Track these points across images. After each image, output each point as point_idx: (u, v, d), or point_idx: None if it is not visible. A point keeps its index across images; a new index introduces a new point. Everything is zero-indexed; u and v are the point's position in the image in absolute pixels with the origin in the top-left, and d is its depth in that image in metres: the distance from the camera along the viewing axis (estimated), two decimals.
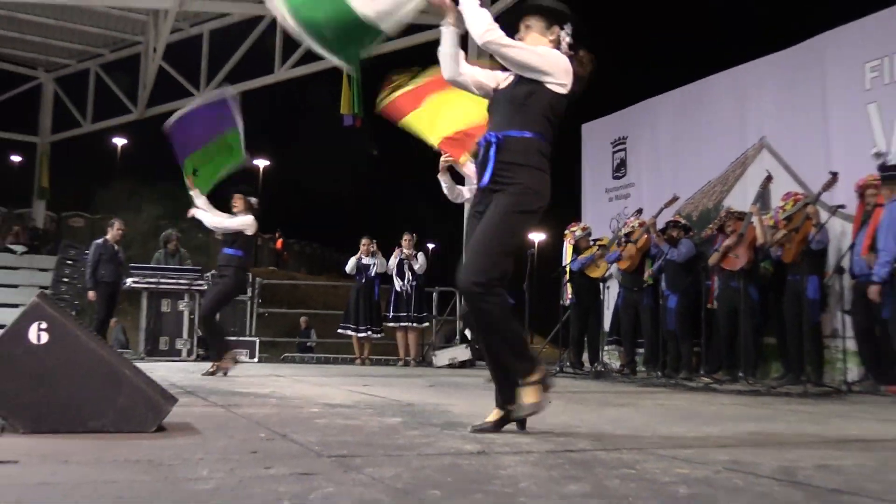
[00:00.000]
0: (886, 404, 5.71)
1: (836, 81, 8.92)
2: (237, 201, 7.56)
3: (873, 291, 6.25)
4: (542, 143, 3.34)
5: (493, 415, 3.34)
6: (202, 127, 7.22)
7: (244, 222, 7.44)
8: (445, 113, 6.53)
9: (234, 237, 7.52)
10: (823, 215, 7.70)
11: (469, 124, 6.39)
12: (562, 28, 3.45)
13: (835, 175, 7.40)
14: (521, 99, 3.35)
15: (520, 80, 3.40)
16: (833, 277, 7.63)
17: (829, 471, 2.46)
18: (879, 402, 5.86)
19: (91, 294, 11.13)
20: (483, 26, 3.30)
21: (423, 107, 6.52)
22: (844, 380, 7.06)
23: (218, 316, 7.84)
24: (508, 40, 3.33)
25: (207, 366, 7.51)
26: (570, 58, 3.43)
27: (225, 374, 7.22)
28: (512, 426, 3.29)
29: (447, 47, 3.47)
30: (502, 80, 3.51)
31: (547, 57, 3.36)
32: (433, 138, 6.48)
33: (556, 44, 3.45)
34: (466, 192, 6.20)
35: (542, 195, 3.34)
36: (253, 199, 7.61)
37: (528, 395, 3.18)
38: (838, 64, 8.92)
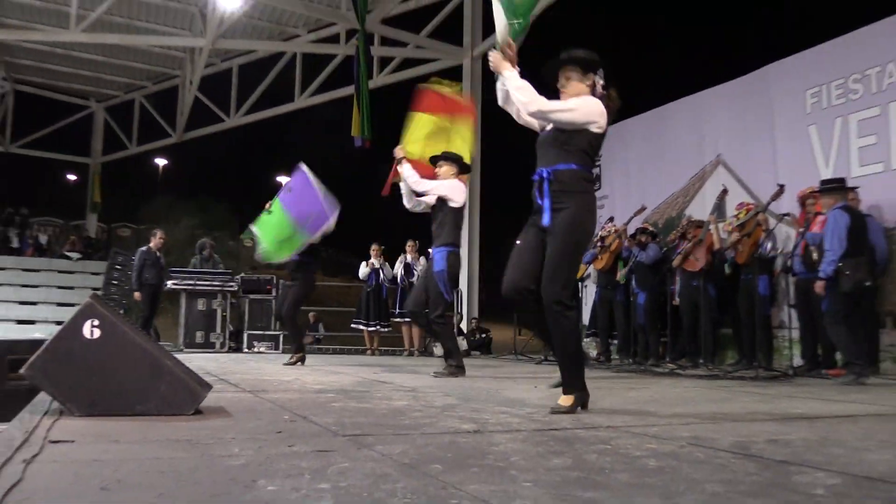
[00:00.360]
0: (827, 386, 5.71)
1: (781, 106, 8.94)
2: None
3: (819, 286, 6.25)
4: (586, 173, 3.48)
5: (566, 399, 3.41)
6: (303, 203, 7.18)
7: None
8: (441, 139, 6.44)
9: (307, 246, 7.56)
10: (772, 222, 7.72)
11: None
12: (595, 73, 3.53)
13: (781, 187, 7.41)
14: (563, 140, 3.47)
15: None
16: (780, 276, 7.64)
17: (778, 444, 2.46)
18: (821, 384, 5.86)
19: (137, 294, 11.14)
20: (528, 98, 3.44)
21: (438, 119, 6.43)
22: (791, 365, 7.06)
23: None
24: (550, 105, 3.44)
25: (240, 356, 7.53)
26: (603, 97, 3.52)
27: (302, 362, 7.40)
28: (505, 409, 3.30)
29: (503, 86, 3.60)
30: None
31: (584, 109, 3.43)
32: (411, 147, 6.38)
33: (592, 87, 3.53)
34: (424, 202, 6.16)
35: (593, 214, 3.52)
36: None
37: (563, 399, 3.36)
38: (783, 91, 8.94)
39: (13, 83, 19.72)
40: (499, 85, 3.61)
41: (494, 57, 3.55)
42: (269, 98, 17.71)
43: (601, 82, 3.53)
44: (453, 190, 6.08)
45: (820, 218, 6.68)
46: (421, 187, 6.03)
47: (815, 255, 6.73)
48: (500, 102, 3.66)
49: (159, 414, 2.89)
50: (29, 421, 2.67)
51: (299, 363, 7.36)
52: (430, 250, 6.26)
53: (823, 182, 6.79)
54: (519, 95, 3.45)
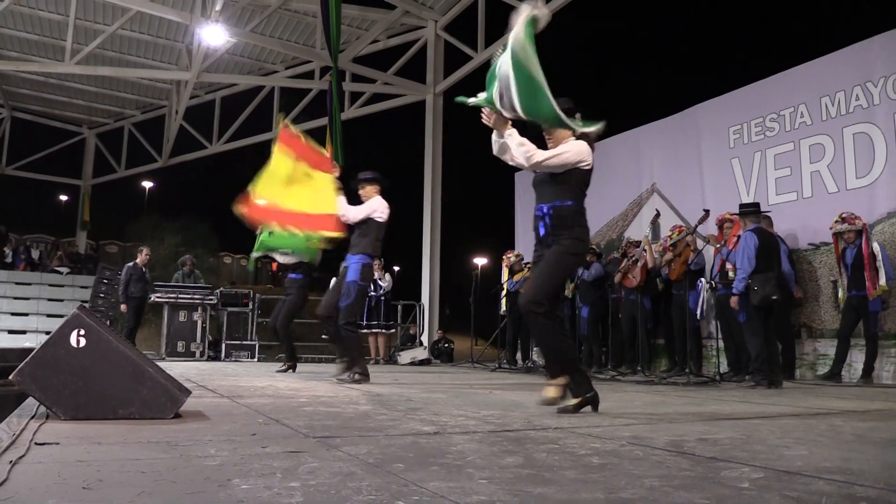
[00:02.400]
0: (749, 389, 5.78)
1: (707, 141, 9.12)
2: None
3: (733, 301, 6.39)
4: (579, 206, 3.63)
5: (573, 400, 3.50)
6: None
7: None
8: (303, 184, 5.88)
9: (297, 265, 7.70)
10: (700, 243, 7.83)
11: (287, 206, 5.71)
12: (573, 118, 3.59)
13: (707, 212, 7.54)
14: (560, 179, 3.61)
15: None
16: (707, 291, 7.75)
17: (707, 443, 2.47)
18: (744, 388, 5.93)
19: (123, 307, 10.93)
20: (526, 154, 3.54)
21: (298, 164, 5.86)
22: (718, 371, 7.14)
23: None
24: (544, 155, 3.55)
25: (218, 364, 7.42)
26: (583, 136, 3.64)
27: (293, 370, 7.38)
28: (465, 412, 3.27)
29: (500, 138, 3.62)
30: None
31: (574, 151, 3.57)
32: (268, 189, 5.76)
33: (573, 131, 3.63)
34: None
35: (585, 243, 3.69)
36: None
37: (548, 391, 3.51)
38: (709, 128, 9.12)
39: (10, 110, 19.31)
40: (494, 137, 3.65)
41: (492, 117, 3.56)
42: (248, 127, 17.58)
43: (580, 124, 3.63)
44: (381, 206, 5.99)
45: (734, 238, 6.83)
46: (354, 213, 5.84)
47: (731, 273, 6.86)
48: (494, 152, 3.70)
49: (141, 418, 2.81)
50: (16, 424, 2.58)
51: (291, 370, 7.31)
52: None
53: (742, 206, 6.93)
54: (522, 152, 3.53)
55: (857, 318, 6.77)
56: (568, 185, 3.59)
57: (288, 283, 7.87)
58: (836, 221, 6.85)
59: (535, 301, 3.43)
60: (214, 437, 2.42)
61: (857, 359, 6.87)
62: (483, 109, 3.60)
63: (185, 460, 1.96)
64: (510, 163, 3.71)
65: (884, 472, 1.97)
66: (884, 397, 5.05)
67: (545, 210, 3.61)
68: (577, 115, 3.61)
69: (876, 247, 6.64)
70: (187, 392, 3.01)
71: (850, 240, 6.77)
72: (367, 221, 5.88)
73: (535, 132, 3.71)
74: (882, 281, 6.56)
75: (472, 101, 3.64)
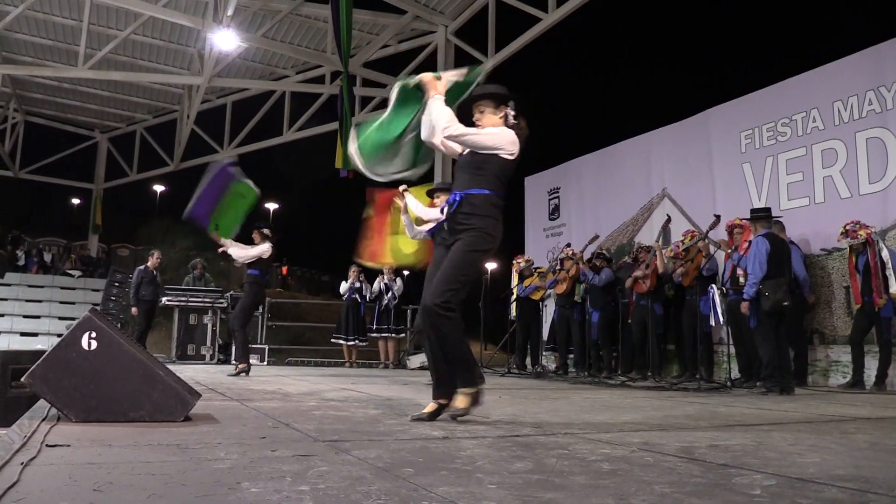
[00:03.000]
0: (761, 396, 5.74)
1: (719, 146, 9.08)
2: (255, 236, 7.58)
3: (744, 306, 6.33)
4: (496, 198, 3.36)
5: (430, 407, 3.32)
6: (211, 196, 7.08)
7: (261, 250, 7.44)
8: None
9: (254, 260, 7.48)
10: (712, 248, 7.80)
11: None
12: (507, 106, 3.47)
13: (718, 217, 7.49)
14: (478, 164, 3.38)
15: (475, 151, 3.44)
16: (718, 297, 7.70)
17: (718, 449, 2.45)
18: (755, 395, 5.89)
19: (134, 310, 10.97)
20: (445, 122, 3.31)
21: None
22: (729, 377, 7.10)
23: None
24: (464, 130, 3.35)
25: (229, 368, 7.41)
26: (514, 127, 3.45)
27: (247, 374, 7.11)
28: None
29: (430, 115, 3.40)
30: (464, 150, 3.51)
31: (496, 136, 3.37)
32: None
33: (505, 119, 3.46)
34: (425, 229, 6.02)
35: (495, 238, 3.35)
36: (266, 231, 7.60)
37: (460, 401, 3.24)
38: (720, 133, 9.08)
39: (24, 114, 19.47)
40: (424, 118, 3.45)
41: (428, 78, 3.44)
42: (259, 131, 17.68)
43: (512, 114, 3.48)
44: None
45: (745, 244, 6.78)
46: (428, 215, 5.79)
47: (741, 279, 6.81)
48: (423, 136, 3.49)
49: (151, 420, 2.83)
50: (28, 426, 2.59)
51: (243, 374, 7.08)
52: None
53: (752, 211, 6.89)
54: (439, 119, 3.34)
55: (870, 325, 6.72)
56: (486, 173, 3.37)
57: (245, 278, 7.71)
58: (841, 234, 6.80)
59: (443, 303, 3.18)
60: (224, 440, 2.42)
61: (870, 365, 6.81)
62: (425, 75, 3.49)
63: (195, 463, 1.97)
64: (438, 145, 3.49)
65: None
66: None
67: (457, 197, 3.37)
68: (511, 104, 3.48)
69: (886, 254, 6.57)
70: (197, 395, 3.01)
71: (858, 249, 6.72)
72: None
73: (466, 120, 3.54)
74: (893, 289, 6.50)
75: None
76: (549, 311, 10.50)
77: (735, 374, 7.37)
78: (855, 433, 3.08)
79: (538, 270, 10.32)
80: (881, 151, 7.23)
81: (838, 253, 7.40)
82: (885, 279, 6.50)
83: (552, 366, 10.25)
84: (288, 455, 2.13)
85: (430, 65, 15.12)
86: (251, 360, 7.61)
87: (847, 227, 6.74)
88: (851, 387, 6.71)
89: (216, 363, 10.82)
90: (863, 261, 6.68)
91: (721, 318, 7.07)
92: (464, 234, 3.30)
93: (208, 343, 11.10)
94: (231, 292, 11.81)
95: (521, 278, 10.22)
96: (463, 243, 3.29)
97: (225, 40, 12.88)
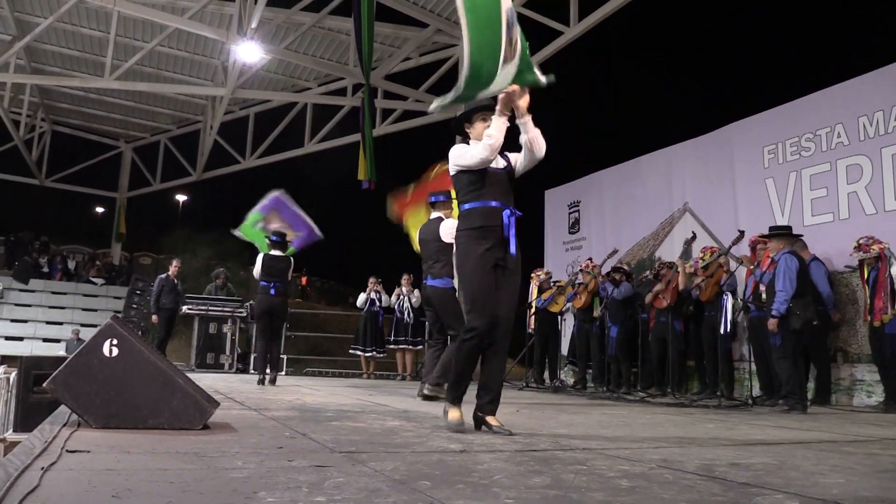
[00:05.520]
0: (782, 414, 5.67)
1: (741, 161, 9.01)
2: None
3: (772, 323, 6.20)
4: None
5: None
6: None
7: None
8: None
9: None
10: (733, 264, 7.73)
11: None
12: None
13: (741, 233, 7.44)
14: (510, 181, 3.44)
15: (510, 163, 3.45)
16: (740, 313, 7.63)
17: (739, 468, 2.42)
18: (777, 413, 5.81)
19: (154, 318, 11.06)
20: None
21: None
22: (750, 394, 7.01)
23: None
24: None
25: (247, 377, 7.55)
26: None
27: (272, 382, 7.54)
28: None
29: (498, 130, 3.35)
30: (498, 160, 3.46)
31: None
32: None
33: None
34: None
35: None
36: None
37: (456, 413, 3.44)
38: (743, 147, 9.01)
39: (51, 124, 19.79)
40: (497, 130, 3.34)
41: (523, 99, 3.34)
42: (281, 143, 17.79)
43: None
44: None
45: (767, 260, 6.69)
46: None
47: (763, 295, 6.73)
48: (491, 151, 3.35)
49: (170, 428, 2.84)
50: (49, 431, 2.62)
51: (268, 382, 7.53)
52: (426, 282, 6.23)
53: (772, 228, 6.82)
54: (498, 135, 3.31)
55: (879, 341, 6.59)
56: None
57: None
58: (854, 248, 6.71)
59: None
60: (241, 449, 2.43)
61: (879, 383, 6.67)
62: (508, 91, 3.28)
63: (213, 472, 1.97)
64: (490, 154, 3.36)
65: None
66: None
67: (516, 214, 3.36)
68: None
69: (893, 271, 6.47)
70: (216, 403, 3.03)
71: (871, 263, 6.62)
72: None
73: (458, 129, 3.58)
74: None
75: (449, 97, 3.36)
76: (568, 325, 10.45)
77: (756, 391, 7.28)
78: (880, 454, 3.02)
79: (557, 283, 10.28)
80: None
81: None
82: (893, 295, 6.39)
83: (571, 380, 10.18)
84: (305, 465, 2.13)
85: (452, 78, 15.18)
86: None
87: (860, 241, 6.65)
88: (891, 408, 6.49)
89: (235, 372, 10.87)
90: (874, 276, 6.58)
91: (729, 327, 6.99)
92: (518, 261, 3.36)
93: (227, 352, 11.16)
94: (251, 301, 11.87)
95: (540, 291, 10.19)
96: (519, 272, 3.39)
97: (248, 52, 13.02)
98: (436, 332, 6.43)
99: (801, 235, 7.29)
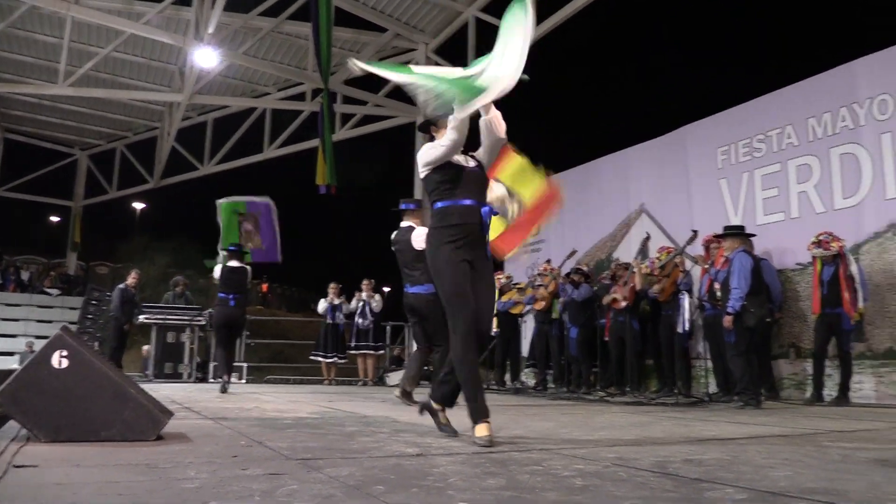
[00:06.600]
0: (737, 410, 5.77)
1: (696, 162, 9.17)
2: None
3: (727, 320, 6.32)
4: None
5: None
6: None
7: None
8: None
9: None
10: (688, 264, 7.85)
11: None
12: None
13: (695, 233, 7.55)
14: (485, 179, 3.42)
15: (479, 162, 3.40)
16: (696, 312, 7.74)
17: (693, 464, 2.45)
18: (732, 409, 5.91)
19: (127, 326, 10.81)
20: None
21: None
22: (707, 391, 7.12)
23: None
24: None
25: (207, 386, 7.44)
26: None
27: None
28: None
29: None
30: (469, 160, 3.39)
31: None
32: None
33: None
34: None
35: None
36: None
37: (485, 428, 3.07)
38: (697, 149, 9.17)
39: (3, 131, 19.28)
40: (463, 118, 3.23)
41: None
42: (240, 149, 17.58)
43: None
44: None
45: (722, 259, 6.81)
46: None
47: (718, 293, 6.85)
48: (455, 144, 3.26)
49: (122, 440, 2.78)
50: None
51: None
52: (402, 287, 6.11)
53: (727, 228, 6.95)
54: (464, 115, 3.18)
55: (830, 336, 6.76)
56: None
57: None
58: (813, 243, 6.86)
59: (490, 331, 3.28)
60: (195, 459, 2.39)
61: (831, 377, 6.85)
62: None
63: (164, 483, 1.93)
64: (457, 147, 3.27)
65: (868, 493, 1.95)
66: (871, 417, 5.05)
67: (491, 211, 3.34)
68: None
69: (854, 269, 6.64)
70: (169, 414, 2.98)
71: (827, 260, 6.78)
72: None
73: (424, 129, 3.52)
74: (861, 304, 6.57)
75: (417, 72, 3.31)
76: (528, 327, 10.50)
77: (713, 388, 7.40)
78: (828, 446, 3.09)
79: (517, 286, 10.33)
80: (854, 167, 7.33)
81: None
82: (855, 293, 6.57)
83: (531, 382, 10.23)
84: (259, 474, 2.10)
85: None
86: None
87: (820, 238, 6.80)
88: (817, 400, 6.69)
89: (194, 381, 10.70)
90: (829, 272, 6.73)
91: (687, 325, 7.10)
92: (491, 259, 3.31)
93: (186, 361, 10.97)
94: (210, 310, 11.71)
95: (501, 293, 10.22)
96: (493, 272, 3.34)
97: (206, 58, 12.85)
98: (422, 340, 6.18)
99: (754, 235, 7.44)
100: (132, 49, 14.85)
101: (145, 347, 12.01)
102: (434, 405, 3.42)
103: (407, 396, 5.89)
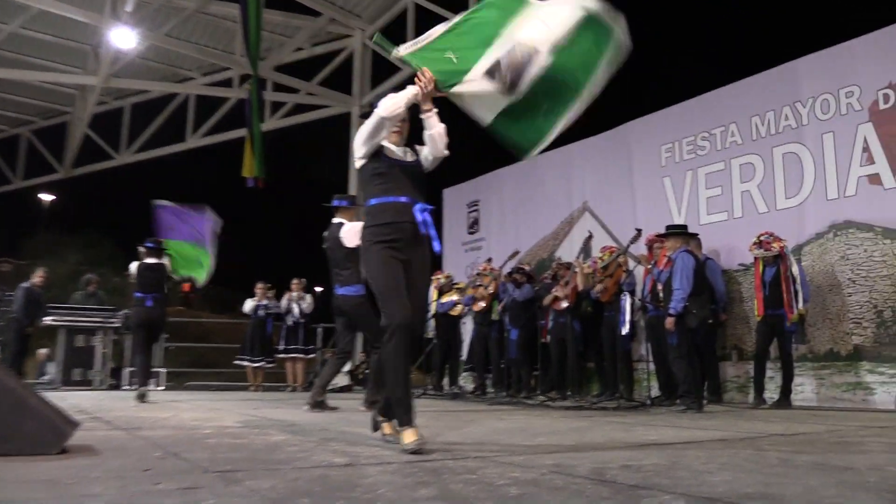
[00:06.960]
0: (679, 414, 5.91)
1: (639, 160, 9.36)
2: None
3: (669, 322, 6.46)
4: None
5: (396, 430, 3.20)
6: (186, 225, 8.11)
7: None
8: None
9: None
10: (631, 263, 8.00)
11: None
12: None
13: (639, 231, 7.70)
14: (422, 176, 3.41)
15: (419, 158, 3.40)
16: (638, 313, 7.90)
17: (631, 470, 2.49)
18: (674, 413, 6.06)
19: (32, 329, 10.41)
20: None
21: None
22: (649, 395, 7.27)
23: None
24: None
25: (118, 393, 7.19)
26: None
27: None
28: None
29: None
30: (407, 154, 3.42)
31: None
32: None
33: None
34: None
35: None
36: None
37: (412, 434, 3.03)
38: (641, 146, 9.37)
39: None
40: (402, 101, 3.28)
41: (430, 86, 3.25)
42: (160, 137, 17.13)
43: None
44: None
45: (664, 259, 6.97)
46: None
47: (661, 294, 7.01)
48: (389, 112, 3.27)
49: (22, 454, 2.67)
50: None
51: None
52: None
53: (669, 227, 7.12)
54: (400, 97, 3.27)
55: (772, 337, 6.99)
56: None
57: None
58: (754, 244, 7.08)
59: (422, 325, 3.37)
60: (102, 473, 2.31)
61: (773, 379, 7.09)
62: (422, 71, 3.25)
63: (67, 500, 1.87)
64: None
65: (805, 497, 2.02)
66: (812, 420, 5.24)
67: (428, 210, 3.32)
68: None
69: (795, 269, 6.87)
70: (75, 425, 2.87)
71: (768, 261, 7.00)
72: None
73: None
74: (800, 305, 6.81)
75: (402, 51, 3.36)
76: (467, 330, 10.54)
77: (655, 392, 7.56)
78: (768, 450, 3.19)
79: (456, 286, 10.35)
80: (797, 167, 7.60)
81: None
82: (795, 294, 6.80)
83: (470, 386, 10.27)
84: (172, 488, 2.04)
85: (346, 70, 15.08)
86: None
87: (761, 238, 7.01)
88: (758, 405, 6.89)
89: (107, 389, 10.37)
90: (770, 273, 6.96)
91: (629, 327, 7.24)
92: (427, 259, 3.31)
93: (97, 367, 10.62)
94: (126, 311, 11.37)
95: (440, 294, 10.24)
96: (428, 266, 3.34)
97: (124, 38, 12.50)
98: (342, 343, 6.34)
99: (697, 234, 7.64)
100: (41, 26, 14.26)
101: (41, 351, 11.56)
102: (379, 418, 3.43)
103: (319, 406, 5.90)
